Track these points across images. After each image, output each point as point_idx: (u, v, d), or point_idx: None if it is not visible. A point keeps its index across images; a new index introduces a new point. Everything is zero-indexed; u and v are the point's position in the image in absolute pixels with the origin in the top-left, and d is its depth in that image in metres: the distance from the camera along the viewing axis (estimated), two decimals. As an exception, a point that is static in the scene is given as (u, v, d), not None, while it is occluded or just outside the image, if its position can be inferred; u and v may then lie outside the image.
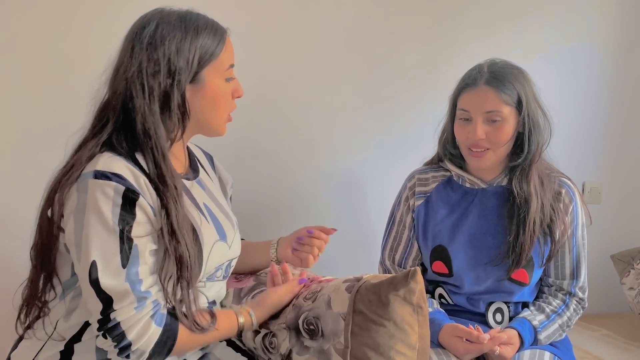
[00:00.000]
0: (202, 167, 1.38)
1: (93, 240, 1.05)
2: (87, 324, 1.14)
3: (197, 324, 1.13)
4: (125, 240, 1.06)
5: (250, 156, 2.09)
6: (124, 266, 1.06)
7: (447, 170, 1.65)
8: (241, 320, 1.24)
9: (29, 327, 1.18)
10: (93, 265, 1.04)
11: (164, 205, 1.10)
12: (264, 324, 1.32)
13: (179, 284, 1.10)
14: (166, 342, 1.10)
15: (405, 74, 2.22)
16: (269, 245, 1.49)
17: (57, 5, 1.83)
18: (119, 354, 1.07)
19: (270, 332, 1.30)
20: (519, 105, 1.51)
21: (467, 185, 1.61)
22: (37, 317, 1.17)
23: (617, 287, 2.33)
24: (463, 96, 1.55)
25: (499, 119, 1.50)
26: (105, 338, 1.06)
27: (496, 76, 1.51)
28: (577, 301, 1.60)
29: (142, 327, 1.07)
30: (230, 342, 1.39)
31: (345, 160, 2.21)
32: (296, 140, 2.15)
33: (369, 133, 2.21)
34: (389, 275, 1.21)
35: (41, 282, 1.16)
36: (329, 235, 1.45)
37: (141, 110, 1.11)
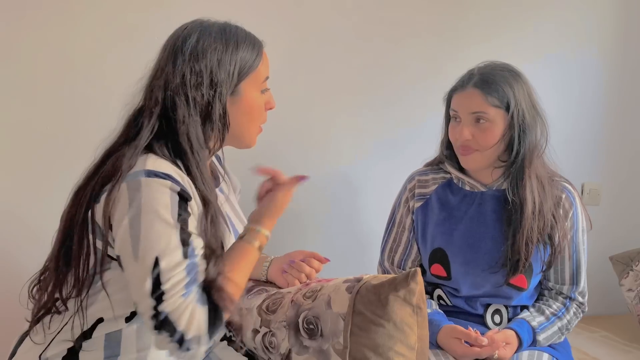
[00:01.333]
0: (220, 173, 1.38)
1: (154, 237, 1.04)
2: (99, 321, 1.14)
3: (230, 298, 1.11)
4: (185, 232, 1.06)
5: (248, 158, 2.09)
6: (185, 257, 1.05)
7: (447, 172, 1.65)
8: (256, 244, 1.20)
9: (37, 322, 1.18)
10: (156, 262, 1.03)
11: (206, 206, 1.11)
12: (264, 323, 1.32)
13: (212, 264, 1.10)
14: (215, 315, 1.07)
15: (404, 75, 2.22)
16: (262, 260, 1.49)
17: (59, 6, 1.83)
18: (180, 348, 1.04)
19: (270, 331, 1.31)
20: (508, 108, 1.51)
21: (467, 188, 1.61)
22: (46, 313, 1.17)
23: (615, 289, 2.33)
24: (454, 97, 1.57)
25: (485, 120, 1.51)
26: (161, 334, 1.04)
27: (485, 79, 1.52)
28: (577, 305, 1.61)
29: (190, 313, 1.04)
30: (230, 342, 1.39)
31: (344, 161, 2.21)
32: (294, 141, 2.15)
33: (367, 134, 2.22)
34: (390, 275, 1.21)
35: (69, 282, 1.15)
36: (322, 265, 1.43)
37: (185, 120, 1.12)
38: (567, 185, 1.60)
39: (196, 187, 1.12)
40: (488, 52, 2.25)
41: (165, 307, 1.03)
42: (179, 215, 1.06)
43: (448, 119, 1.61)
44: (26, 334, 1.21)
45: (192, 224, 1.09)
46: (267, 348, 1.31)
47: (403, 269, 1.66)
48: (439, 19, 2.24)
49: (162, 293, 1.03)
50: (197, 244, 1.08)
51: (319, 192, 2.20)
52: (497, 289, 1.55)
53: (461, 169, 1.62)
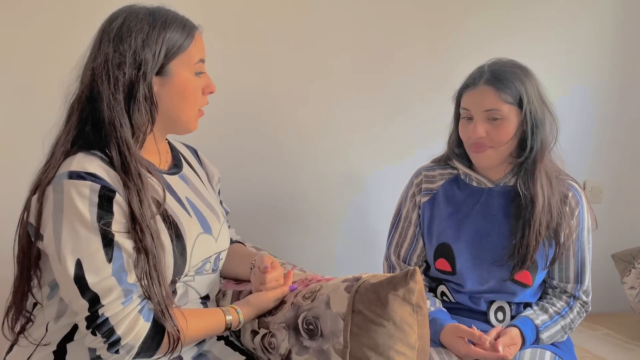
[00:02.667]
0: (187, 162, 1.38)
1: (74, 240, 1.05)
2: (77, 325, 1.14)
3: (172, 320, 1.12)
4: (107, 236, 1.06)
5: (252, 156, 2.09)
6: (109, 261, 1.06)
7: (455, 168, 1.65)
8: (229, 317, 1.25)
9: (21, 331, 1.19)
10: (77, 264, 1.05)
11: (127, 196, 1.09)
12: (263, 324, 1.32)
13: (149, 278, 1.09)
14: (154, 337, 1.10)
15: (406, 74, 2.22)
16: (250, 259, 1.45)
17: (57, 3, 1.83)
18: (109, 349, 1.07)
19: (270, 332, 1.30)
20: (520, 104, 1.51)
21: (474, 184, 1.61)
22: (28, 321, 1.18)
23: (618, 286, 2.33)
24: (464, 95, 1.56)
25: (498, 117, 1.50)
26: (95, 335, 1.06)
27: (496, 75, 1.51)
28: (581, 304, 1.60)
29: (131, 321, 1.07)
30: (228, 342, 1.39)
31: (346, 160, 2.21)
32: (297, 140, 2.15)
33: (370, 132, 2.22)
34: (388, 274, 1.20)
35: (25, 287, 1.17)
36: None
37: (106, 99, 1.11)
38: (573, 183, 1.60)
39: (118, 174, 1.10)
40: (493, 51, 2.23)
41: (105, 311, 1.05)
42: (100, 217, 1.06)
43: (457, 117, 1.61)
44: (15, 342, 1.22)
45: (118, 224, 1.08)
46: (266, 349, 1.30)
47: (409, 264, 1.67)
48: (442, 18, 2.24)
49: (97, 297, 1.05)
50: (123, 243, 1.08)
51: (321, 190, 2.20)
52: (501, 285, 1.55)
53: (469, 166, 1.63)
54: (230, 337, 1.41)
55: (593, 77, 2.44)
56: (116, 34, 1.14)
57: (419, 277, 1.17)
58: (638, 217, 2.55)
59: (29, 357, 1.16)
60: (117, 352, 1.07)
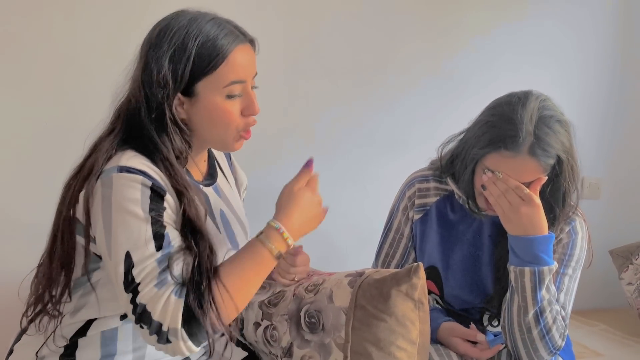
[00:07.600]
0: (221, 169, 1.35)
1: (125, 233, 1.02)
2: (90, 321, 1.14)
3: (212, 313, 1.02)
4: (158, 226, 1.03)
5: (249, 154, 2.08)
6: (157, 249, 1.01)
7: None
8: (271, 246, 1.08)
9: (32, 320, 1.18)
10: (127, 256, 1.01)
11: (180, 202, 1.06)
12: (266, 315, 1.32)
13: (197, 278, 1.02)
14: (195, 311, 1.00)
15: (406, 71, 2.22)
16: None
17: (60, 3, 1.83)
18: (159, 340, 1.00)
19: (272, 324, 1.31)
20: (552, 167, 1.34)
21: (467, 207, 1.48)
22: (41, 311, 1.17)
23: (615, 282, 2.34)
24: (496, 157, 1.32)
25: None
26: (142, 328, 1.01)
27: (541, 143, 1.28)
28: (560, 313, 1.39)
29: (165, 303, 0.99)
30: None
31: (344, 157, 2.21)
32: (295, 137, 2.15)
33: (369, 128, 2.22)
34: (392, 270, 1.21)
35: (61, 282, 1.13)
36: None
37: (145, 118, 1.08)
38: (574, 217, 1.44)
39: (169, 181, 1.07)
40: (488, 48, 2.26)
41: (141, 298, 1.00)
42: (151, 209, 1.02)
43: (473, 158, 1.38)
44: (24, 331, 1.21)
45: (169, 217, 1.05)
46: (268, 341, 1.31)
47: None
48: (441, 14, 2.24)
49: (137, 285, 1.00)
50: (174, 235, 1.04)
51: (320, 188, 2.20)
52: (490, 306, 1.50)
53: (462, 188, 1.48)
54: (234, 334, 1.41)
55: (592, 72, 2.45)
56: (150, 46, 1.08)
57: (422, 273, 1.18)
58: (636, 213, 2.56)
59: (40, 348, 1.16)
60: (168, 341, 0.99)
